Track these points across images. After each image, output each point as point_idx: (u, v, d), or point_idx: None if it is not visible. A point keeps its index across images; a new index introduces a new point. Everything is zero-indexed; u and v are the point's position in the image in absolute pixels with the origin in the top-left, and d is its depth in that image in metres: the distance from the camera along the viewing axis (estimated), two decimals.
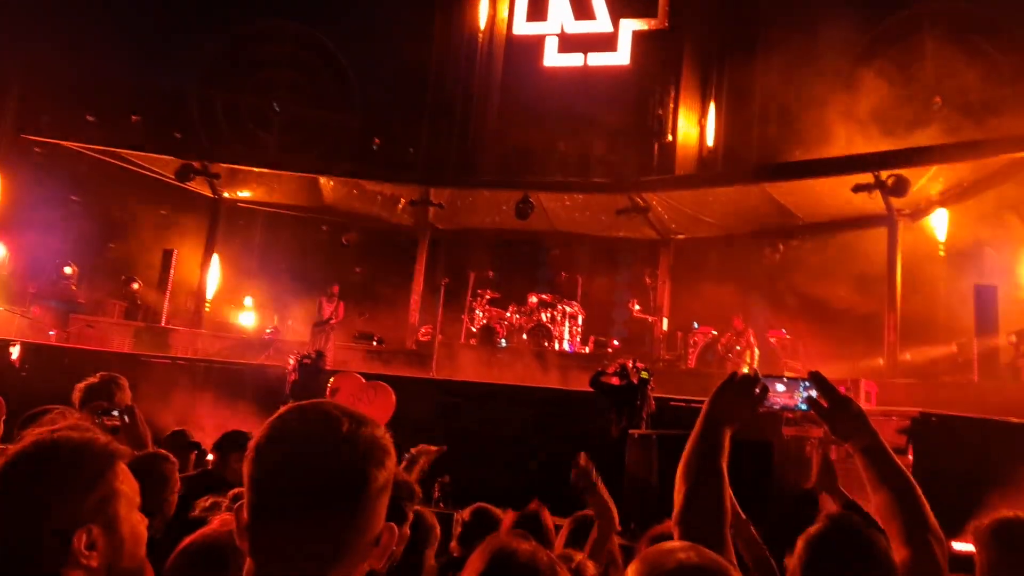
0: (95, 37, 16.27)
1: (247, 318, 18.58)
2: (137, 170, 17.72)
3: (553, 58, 19.14)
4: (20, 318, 14.79)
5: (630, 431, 9.00)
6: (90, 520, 1.44)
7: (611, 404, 9.55)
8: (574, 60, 18.99)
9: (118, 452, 1.54)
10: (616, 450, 9.02)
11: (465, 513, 4.02)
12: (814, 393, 2.11)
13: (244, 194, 18.49)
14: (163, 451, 3.61)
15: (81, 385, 4.08)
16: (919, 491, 2.00)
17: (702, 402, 2.03)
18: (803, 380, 2.18)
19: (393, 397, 10.32)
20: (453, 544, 3.90)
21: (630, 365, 9.70)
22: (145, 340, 15.24)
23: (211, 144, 18.84)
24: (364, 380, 10.87)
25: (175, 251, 17.20)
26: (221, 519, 2.03)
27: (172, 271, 16.87)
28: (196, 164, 16.72)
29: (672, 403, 10.24)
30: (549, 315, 15.86)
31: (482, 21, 19.95)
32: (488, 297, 16.30)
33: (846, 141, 16.31)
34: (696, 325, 15.27)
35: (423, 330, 16.52)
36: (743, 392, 2.01)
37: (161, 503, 3.26)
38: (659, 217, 16.33)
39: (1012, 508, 2.84)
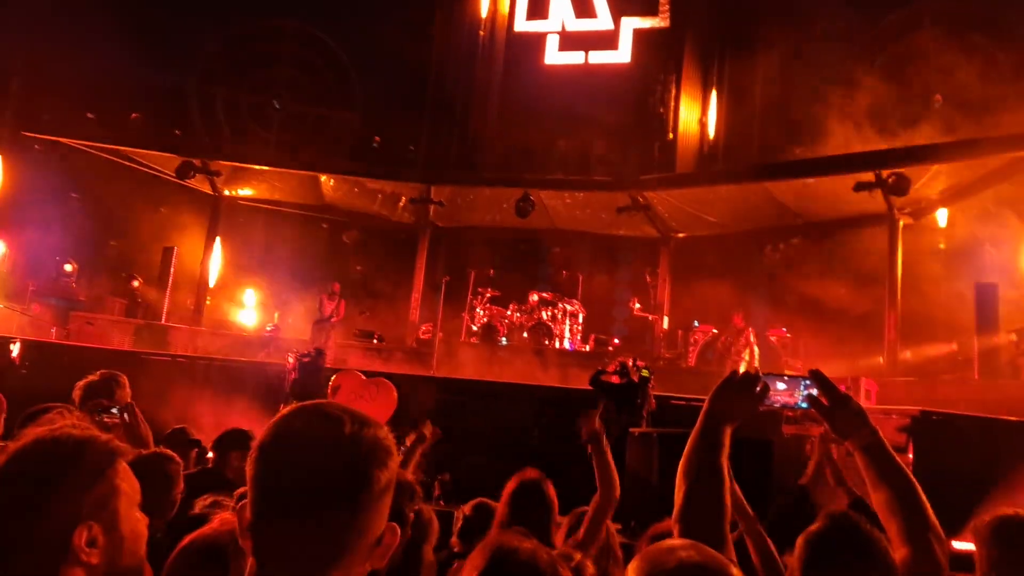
0: (95, 35, 16.22)
1: (247, 316, 18.58)
2: (137, 167, 17.72)
3: (554, 56, 19.13)
4: (20, 315, 14.79)
5: (630, 429, 8.99)
6: (90, 517, 1.44)
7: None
8: (575, 58, 18.98)
9: (119, 450, 1.55)
10: (616, 448, 9.01)
11: (466, 508, 4.02)
12: (814, 391, 2.11)
13: (244, 192, 18.49)
14: (168, 451, 3.62)
15: (81, 383, 4.08)
16: (919, 489, 2.00)
17: (702, 400, 2.04)
18: (803, 378, 2.18)
19: (395, 394, 10.31)
20: (454, 539, 3.90)
21: (630, 363, 9.69)
22: (145, 338, 15.24)
23: (211, 142, 18.84)
24: (365, 377, 10.85)
25: (175, 248, 17.19)
26: (221, 518, 2.03)
27: (172, 269, 16.86)
28: (196, 162, 16.72)
29: (672, 401, 10.24)
30: (550, 313, 15.86)
31: (483, 19, 19.93)
32: (488, 295, 16.31)
33: (847, 139, 16.30)
34: (696, 323, 15.27)
35: (423, 328, 16.53)
36: (744, 390, 2.01)
37: (163, 502, 3.27)
38: (660, 215, 16.33)
39: (1013, 506, 2.84)
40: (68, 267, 16.69)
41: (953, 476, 6.89)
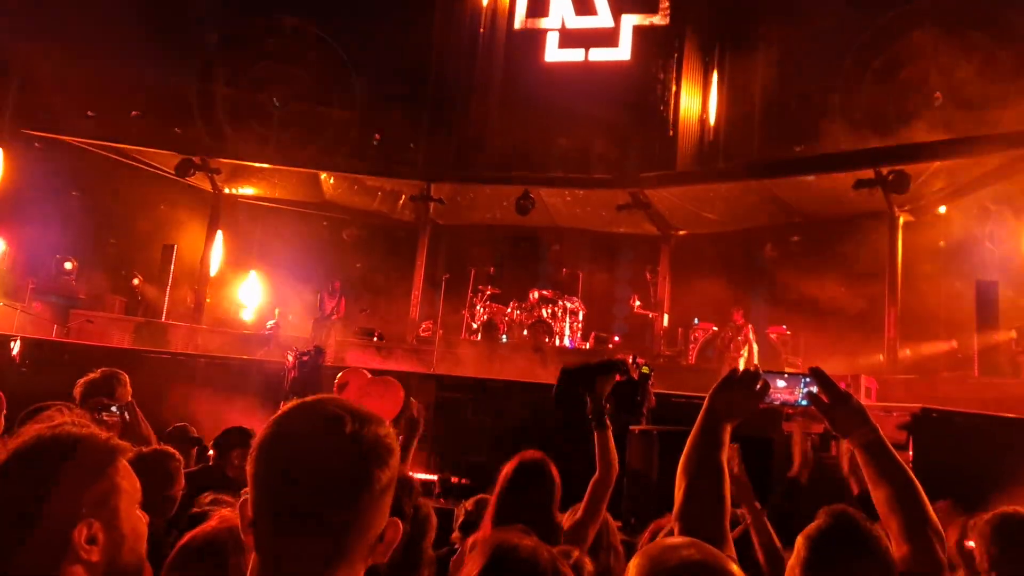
0: (95, 32, 16.22)
1: (247, 313, 18.57)
2: (137, 165, 17.72)
3: (554, 53, 19.11)
4: (20, 313, 14.79)
5: (630, 427, 8.98)
6: (90, 515, 1.44)
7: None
8: (575, 55, 18.95)
9: (119, 448, 1.55)
10: (616, 446, 9.01)
11: (468, 503, 4.02)
12: (815, 389, 2.11)
13: (244, 189, 18.49)
14: (169, 448, 3.62)
15: (82, 381, 4.08)
16: (919, 487, 2.00)
17: (703, 398, 2.04)
18: (804, 376, 2.18)
19: (402, 392, 10.23)
20: (455, 534, 3.90)
21: (630, 361, 9.69)
22: (145, 335, 15.24)
23: (211, 139, 18.82)
24: (371, 375, 10.78)
25: (175, 246, 17.19)
26: (220, 515, 2.03)
27: (172, 266, 16.86)
28: (196, 159, 16.73)
29: (673, 399, 10.23)
30: (550, 311, 15.86)
31: (482, 16, 19.91)
32: (489, 293, 16.30)
33: (846, 136, 16.29)
34: (697, 321, 15.27)
35: (424, 325, 16.54)
36: (744, 388, 2.01)
37: (164, 500, 3.27)
38: (660, 213, 16.33)
39: (1012, 504, 2.84)
40: (68, 265, 16.69)
41: (953, 473, 6.89)
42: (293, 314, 17.19)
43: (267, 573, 1.22)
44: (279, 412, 1.27)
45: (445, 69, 20.06)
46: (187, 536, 1.98)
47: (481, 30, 19.89)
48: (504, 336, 15.84)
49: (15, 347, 12.10)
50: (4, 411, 4.01)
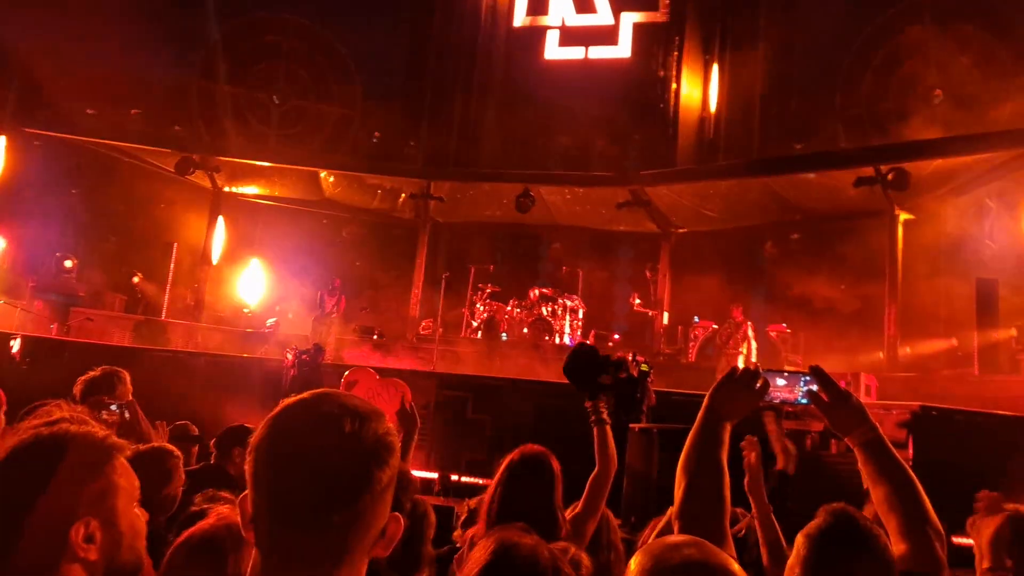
0: (95, 31, 16.21)
1: (247, 311, 18.55)
2: (137, 163, 17.71)
3: (554, 51, 19.11)
4: (20, 311, 14.79)
5: (630, 425, 8.99)
6: (88, 513, 1.44)
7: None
8: (575, 53, 18.95)
9: (117, 446, 1.54)
10: (616, 444, 9.02)
11: (472, 501, 4.01)
12: (814, 387, 2.11)
13: (244, 187, 18.48)
14: (169, 446, 3.62)
15: (82, 378, 4.08)
16: (919, 485, 2.00)
17: (703, 396, 2.04)
18: (803, 374, 2.18)
19: (409, 396, 10.19)
20: (456, 532, 3.90)
21: (630, 358, 9.68)
22: (145, 333, 15.24)
23: (211, 137, 18.82)
24: (380, 377, 10.70)
25: (175, 244, 17.18)
26: (218, 512, 2.03)
27: (172, 264, 16.85)
28: (196, 157, 16.72)
29: (673, 397, 10.23)
30: (550, 309, 15.86)
31: (482, 14, 19.90)
32: (489, 291, 16.31)
33: (846, 133, 16.31)
34: (697, 319, 15.27)
35: (424, 323, 16.54)
36: (744, 387, 2.01)
37: (164, 498, 3.27)
38: (660, 210, 16.33)
39: (1013, 502, 2.84)
40: (68, 263, 16.68)
41: (953, 471, 6.90)
42: (293, 312, 17.18)
43: (268, 570, 1.21)
44: (277, 409, 1.25)
45: (445, 67, 20.06)
46: (185, 534, 1.98)
47: (481, 28, 19.88)
48: (504, 334, 15.85)
49: (15, 345, 12.10)
50: (4, 408, 4.01)
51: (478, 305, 16.24)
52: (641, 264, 17.35)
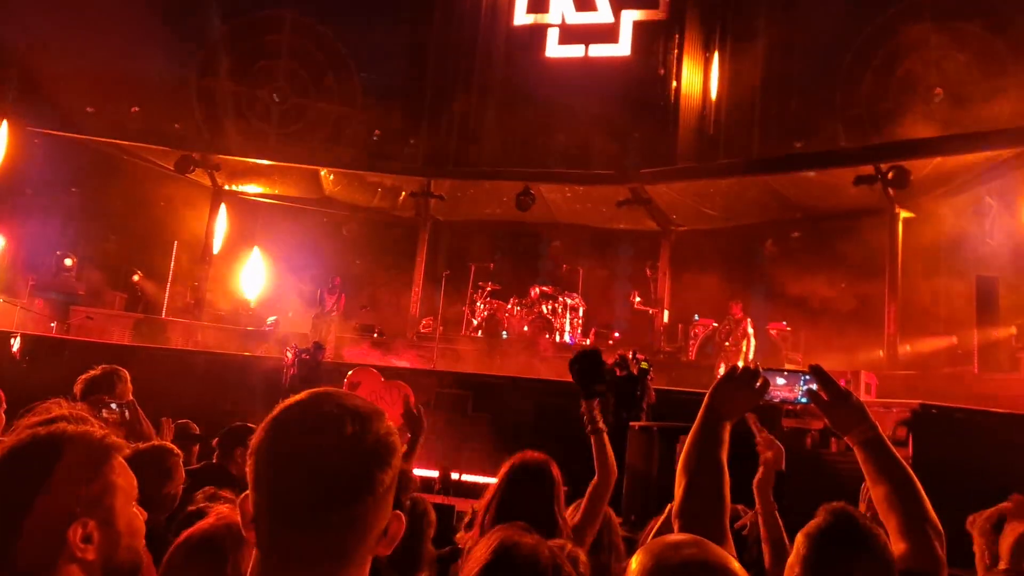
0: (95, 28, 16.22)
1: (247, 309, 18.56)
2: (137, 161, 17.71)
3: (554, 49, 19.10)
4: (20, 310, 14.79)
5: (630, 423, 9.00)
6: (86, 513, 1.44)
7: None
8: (575, 51, 18.94)
9: (115, 445, 1.54)
10: (616, 442, 9.03)
11: (477, 503, 4.00)
12: (814, 386, 2.11)
13: (244, 185, 18.48)
14: (169, 444, 3.61)
15: (83, 377, 4.08)
16: (918, 484, 2.00)
17: (703, 394, 2.04)
18: (803, 373, 2.18)
19: (412, 399, 10.16)
20: (461, 534, 3.90)
21: (630, 356, 9.70)
22: (145, 332, 15.25)
23: (211, 135, 18.82)
24: (384, 379, 10.65)
25: (175, 242, 17.18)
26: (217, 512, 2.03)
27: (172, 262, 16.85)
28: (196, 155, 16.72)
29: (673, 395, 10.25)
30: (550, 307, 15.87)
31: (482, 12, 19.89)
32: (489, 289, 16.31)
33: (846, 132, 16.29)
34: (697, 317, 15.27)
35: (424, 322, 16.55)
36: (744, 386, 2.01)
37: (164, 496, 3.27)
38: (660, 209, 16.33)
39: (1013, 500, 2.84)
40: (68, 261, 16.69)
41: (953, 469, 6.90)
42: (293, 310, 17.19)
43: (269, 570, 1.21)
44: (277, 410, 1.25)
45: (445, 65, 20.05)
46: (185, 533, 1.98)
47: (481, 26, 19.87)
48: (504, 332, 15.85)
49: (15, 344, 12.10)
50: (4, 407, 4.01)
51: (478, 303, 16.25)
52: (641, 262, 17.35)
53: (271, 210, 19.38)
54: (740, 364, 2.17)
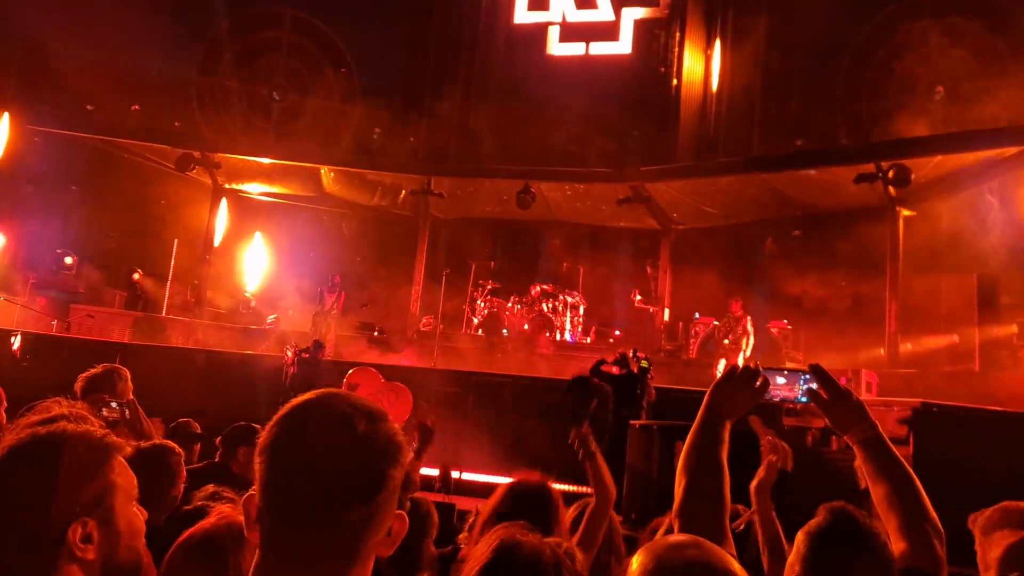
0: (94, 26, 16.22)
1: (247, 307, 18.56)
2: (137, 159, 17.71)
3: (555, 47, 19.09)
4: (20, 308, 14.80)
5: (631, 421, 8.99)
6: (86, 513, 1.44)
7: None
8: (576, 49, 18.94)
9: (115, 445, 1.54)
10: (616, 440, 9.04)
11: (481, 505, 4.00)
12: (814, 385, 2.11)
13: (244, 183, 18.47)
14: (170, 443, 3.61)
15: (83, 376, 4.08)
16: (918, 483, 2.00)
17: (703, 393, 2.04)
18: (803, 372, 2.18)
19: (411, 400, 10.17)
20: (463, 535, 3.90)
21: (630, 354, 9.69)
22: (145, 330, 15.25)
23: (211, 133, 18.81)
24: (383, 379, 10.64)
25: (175, 240, 17.18)
26: (219, 511, 2.03)
27: (173, 260, 16.85)
28: (196, 153, 16.71)
29: (673, 393, 10.24)
30: (550, 305, 15.87)
31: (483, 9, 19.88)
32: (489, 287, 16.31)
33: (847, 130, 16.27)
34: (697, 315, 15.27)
35: (424, 320, 16.55)
36: (744, 385, 2.01)
37: (165, 495, 3.26)
38: (660, 207, 16.32)
39: (1014, 499, 2.84)
40: (68, 259, 16.69)
41: (954, 468, 6.90)
42: (293, 308, 17.20)
43: (276, 570, 1.21)
44: (286, 409, 1.26)
45: (445, 63, 20.05)
46: (186, 533, 1.98)
47: (481, 24, 19.86)
48: (505, 330, 15.86)
49: (15, 342, 12.11)
50: (4, 405, 4.01)
51: (479, 301, 16.25)
52: (642, 260, 17.34)
53: (271, 208, 19.37)
54: (739, 363, 2.17)
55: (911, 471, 2.02)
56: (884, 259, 13.95)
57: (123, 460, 1.54)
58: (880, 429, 2.05)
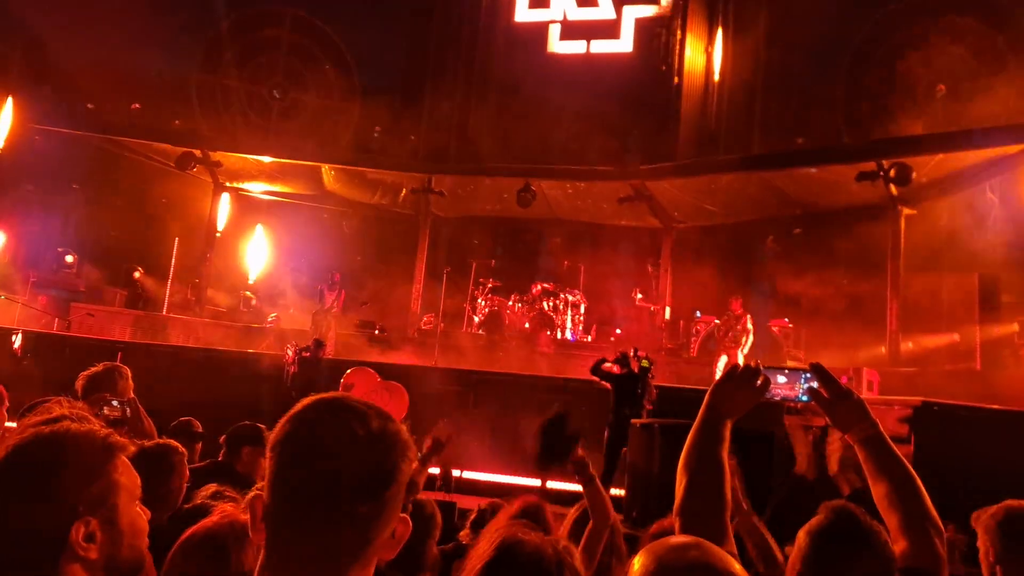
0: (94, 25, 16.22)
1: (248, 306, 18.57)
2: (138, 158, 17.71)
3: (556, 45, 19.08)
4: (21, 306, 14.80)
5: (632, 420, 9.00)
6: (88, 512, 1.44)
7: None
8: (577, 47, 18.92)
9: (118, 444, 1.54)
10: (617, 439, 9.05)
11: (484, 502, 4.01)
12: (815, 384, 2.11)
13: (245, 182, 18.47)
14: (172, 442, 3.60)
15: (84, 375, 4.07)
16: (919, 482, 2.00)
17: (704, 391, 2.04)
18: (804, 371, 2.18)
19: (407, 399, 10.19)
20: (464, 532, 3.90)
21: (631, 353, 9.69)
22: (146, 328, 15.26)
23: (211, 132, 18.80)
24: (379, 379, 10.66)
25: (176, 239, 17.18)
26: (221, 510, 2.03)
27: (173, 259, 16.85)
28: (197, 152, 16.71)
29: (674, 392, 10.24)
30: (551, 304, 15.87)
31: (483, 7, 19.86)
32: (490, 285, 16.31)
33: (848, 128, 16.26)
34: (699, 314, 15.26)
35: (425, 318, 16.55)
36: (745, 384, 2.01)
37: (168, 494, 3.26)
38: (661, 205, 16.31)
39: (1016, 498, 2.84)
40: (69, 258, 16.70)
41: (955, 466, 6.90)
42: (293, 306, 17.20)
43: (281, 569, 1.21)
44: (299, 406, 1.27)
45: (446, 61, 20.03)
46: (188, 531, 1.98)
47: (481, 22, 19.84)
48: (505, 329, 15.86)
49: (16, 340, 12.11)
50: (6, 404, 4.01)
51: (480, 300, 16.25)
52: (643, 259, 17.32)
53: (271, 206, 19.38)
54: (740, 362, 2.17)
55: (912, 470, 2.02)
56: (885, 257, 13.94)
57: (126, 460, 1.54)
58: (881, 428, 2.04)
